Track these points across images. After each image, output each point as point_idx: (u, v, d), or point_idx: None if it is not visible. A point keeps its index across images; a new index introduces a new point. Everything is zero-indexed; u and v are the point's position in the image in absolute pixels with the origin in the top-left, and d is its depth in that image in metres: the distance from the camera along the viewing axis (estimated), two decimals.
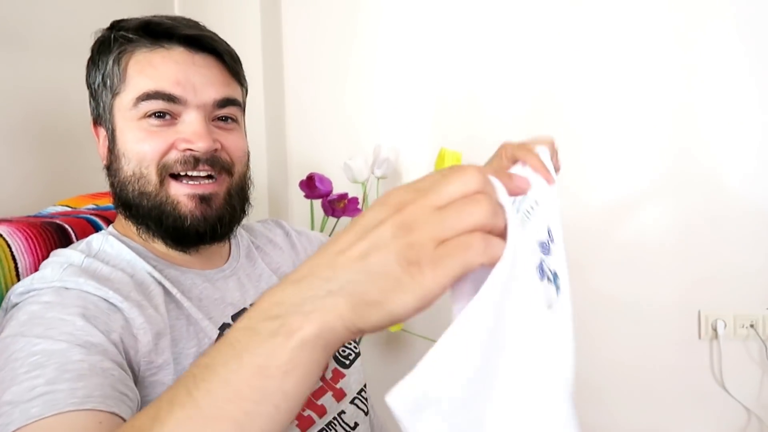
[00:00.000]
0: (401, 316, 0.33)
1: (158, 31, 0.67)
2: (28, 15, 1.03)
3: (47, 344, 0.51)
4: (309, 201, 1.42)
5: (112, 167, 0.69)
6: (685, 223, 1.40)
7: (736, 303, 1.37)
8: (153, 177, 0.66)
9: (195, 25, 0.70)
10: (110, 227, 0.73)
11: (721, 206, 1.37)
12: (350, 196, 1.37)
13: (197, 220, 0.67)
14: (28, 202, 0.97)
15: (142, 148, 0.66)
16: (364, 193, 1.43)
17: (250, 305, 0.73)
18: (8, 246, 0.66)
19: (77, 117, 1.10)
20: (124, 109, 0.67)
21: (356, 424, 0.77)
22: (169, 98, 0.65)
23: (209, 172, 0.68)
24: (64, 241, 0.73)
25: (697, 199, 1.39)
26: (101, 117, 0.70)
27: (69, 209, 0.91)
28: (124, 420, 0.49)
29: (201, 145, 0.66)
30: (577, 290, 1.51)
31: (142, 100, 0.65)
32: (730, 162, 1.36)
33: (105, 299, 0.58)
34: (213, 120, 0.70)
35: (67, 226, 0.74)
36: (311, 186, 1.36)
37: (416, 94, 1.55)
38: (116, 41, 0.67)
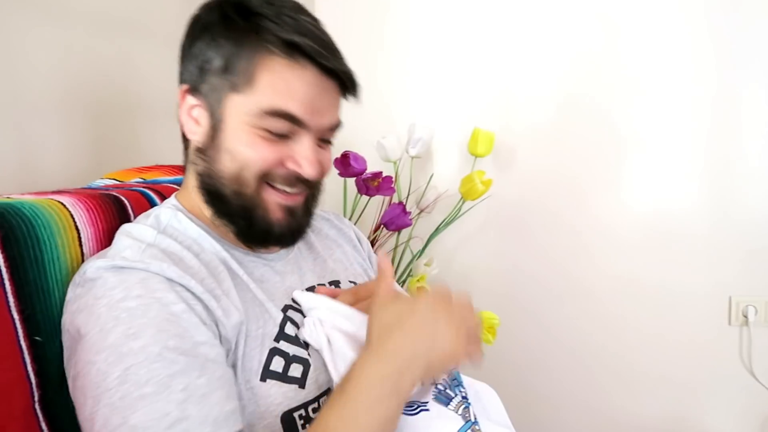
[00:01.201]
0: None
1: (299, 47, 0.63)
2: None
3: (166, 356, 0.53)
4: (342, 179, 1.43)
5: (207, 152, 0.68)
6: (718, 208, 1.39)
7: None
8: (252, 183, 0.67)
9: (331, 46, 0.67)
10: (175, 200, 0.73)
11: (754, 192, 1.37)
12: (384, 175, 1.37)
13: (283, 229, 0.70)
14: (74, 174, 0.98)
15: (252, 155, 0.65)
16: (397, 172, 1.44)
17: (308, 290, 0.75)
18: (72, 216, 0.67)
19: (121, 91, 1.11)
20: (244, 111, 0.65)
21: None
22: (295, 121, 0.65)
23: (302, 190, 0.71)
24: (122, 213, 0.74)
25: (729, 183, 1.38)
26: (202, 93, 0.67)
27: (117, 182, 0.92)
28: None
29: (310, 173, 0.68)
30: (609, 274, 1.53)
31: (269, 115, 0.64)
32: (764, 146, 1.35)
33: (187, 288, 0.59)
34: (318, 140, 0.70)
35: (124, 199, 0.76)
36: (345, 164, 1.36)
37: (450, 73, 1.54)
38: (253, 34, 0.64)
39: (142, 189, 0.82)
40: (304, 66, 0.64)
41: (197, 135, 0.69)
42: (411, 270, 1.46)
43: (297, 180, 0.69)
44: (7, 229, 0.59)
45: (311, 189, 0.73)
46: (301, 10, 0.68)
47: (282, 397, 0.63)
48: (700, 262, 1.40)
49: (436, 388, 0.65)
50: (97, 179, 0.96)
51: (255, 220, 0.68)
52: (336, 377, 0.65)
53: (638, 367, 1.46)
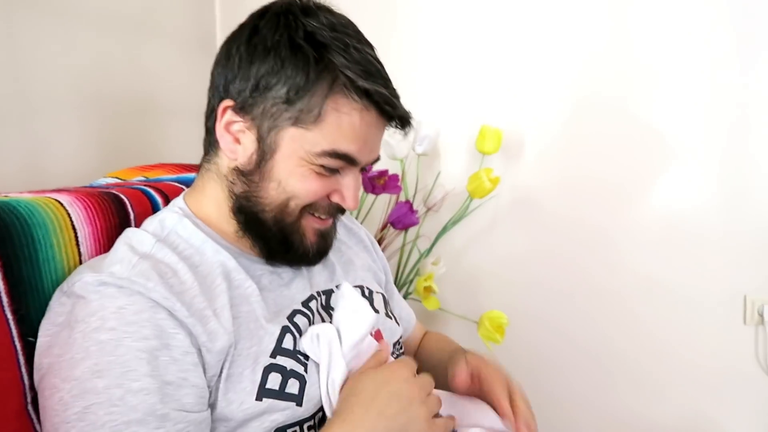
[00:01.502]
0: None
1: (370, 95, 0.63)
2: None
3: (128, 401, 0.53)
4: None
5: (250, 177, 0.67)
6: (733, 206, 1.36)
7: None
8: (296, 212, 0.68)
9: (392, 87, 0.67)
10: (183, 203, 0.71)
11: None
12: (390, 173, 1.36)
13: (315, 251, 0.72)
14: (79, 173, 0.98)
15: (303, 188, 0.66)
16: (403, 170, 1.42)
17: (318, 294, 0.74)
18: (68, 215, 0.66)
19: (129, 89, 1.11)
20: (304, 147, 0.64)
21: None
22: (351, 161, 0.66)
23: (335, 216, 0.73)
24: (122, 211, 0.73)
25: (746, 181, 1.35)
26: (251, 115, 0.65)
27: (120, 181, 0.92)
28: None
29: (351, 206, 0.70)
30: (621, 273, 1.50)
31: (330, 156, 0.64)
32: None
33: (171, 312, 0.57)
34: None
35: (123, 197, 0.75)
36: None
37: (458, 70, 1.52)
38: (326, 73, 0.62)
39: (143, 187, 0.81)
40: (370, 110, 0.65)
41: (236, 154, 0.67)
42: (418, 269, 1.44)
43: (335, 209, 0.71)
44: (2, 227, 0.58)
45: (341, 213, 0.75)
46: (361, 38, 0.68)
47: (279, 414, 0.62)
48: (714, 260, 1.37)
49: None
50: (100, 178, 0.96)
51: (293, 246, 0.69)
52: (325, 397, 0.64)
53: (652, 367, 1.43)
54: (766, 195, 1.34)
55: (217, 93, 0.67)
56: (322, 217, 0.70)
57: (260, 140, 0.65)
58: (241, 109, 0.65)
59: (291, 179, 0.65)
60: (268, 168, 0.65)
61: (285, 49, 0.62)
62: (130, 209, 0.75)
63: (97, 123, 1.06)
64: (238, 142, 0.67)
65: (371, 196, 1.40)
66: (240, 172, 0.67)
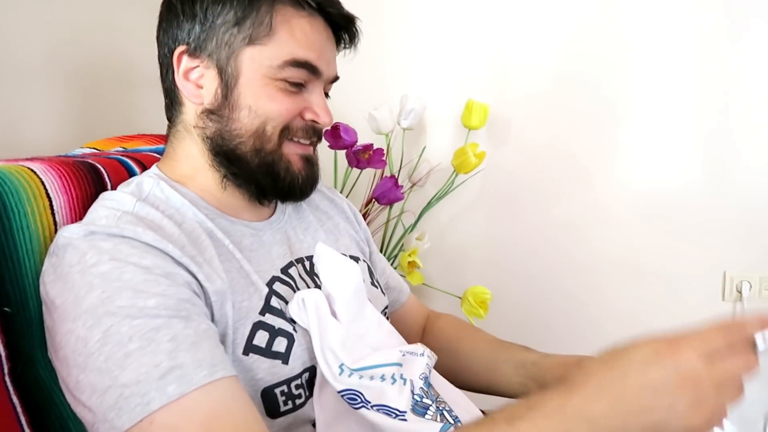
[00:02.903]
0: None
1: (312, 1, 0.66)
2: None
3: (147, 312, 0.51)
4: (333, 151, 1.40)
5: (220, 112, 0.66)
6: (713, 183, 1.37)
7: (762, 265, 1.36)
8: (275, 137, 0.67)
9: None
10: (156, 169, 0.70)
11: (749, 166, 1.34)
12: (375, 147, 1.34)
13: (305, 179, 0.71)
14: (56, 144, 0.95)
15: (275, 108, 0.66)
16: (388, 144, 1.41)
17: (298, 261, 0.73)
18: (42, 183, 0.64)
19: (106, 59, 1.08)
20: (263, 63, 0.65)
21: None
22: (313, 70, 0.67)
23: (314, 140, 0.72)
24: (98, 180, 0.71)
25: (725, 158, 1.36)
26: (206, 52, 0.65)
27: (97, 151, 0.89)
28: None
29: (326, 121, 0.70)
30: (604, 249, 1.51)
31: (290, 65, 0.65)
32: (761, 119, 1.33)
33: (165, 252, 0.56)
34: None
35: (99, 166, 0.73)
36: (336, 136, 1.33)
37: (445, 44, 1.50)
38: None
39: (120, 157, 0.79)
40: (316, 17, 0.68)
41: (201, 98, 0.67)
42: (403, 244, 1.44)
43: (312, 130, 0.71)
44: None
45: (318, 139, 0.74)
46: None
47: (264, 372, 0.61)
48: (694, 237, 1.39)
49: (413, 398, 0.64)
50: (77, 148, 0.93)
51: (279, 176, 0.69)
52: (322, 362, 0.63)
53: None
54: (746, 174, 1.35)
55: (167, 48, 0.68)
56: (302, 141, 0.70)
57: (221, 72, 0.66)
58: (195, 49, 0.66)
59: (260, 101, 0.65)
60: (236, 96, 0.66)
61: None
62: (107, 178, 0.73)
63: (74, 93, 1.03)
64: (200, 87, 0.67)
65: (356, 171, 1.39)
66: (209, 113, 0.67)
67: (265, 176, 0.68)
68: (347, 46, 0.75)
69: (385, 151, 1.37)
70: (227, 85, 0.65)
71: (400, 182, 1.37)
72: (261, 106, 0.65)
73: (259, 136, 0.66)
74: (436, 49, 1.51)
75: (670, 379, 0.45)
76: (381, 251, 1.44)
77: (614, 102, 1.41)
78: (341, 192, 1.42)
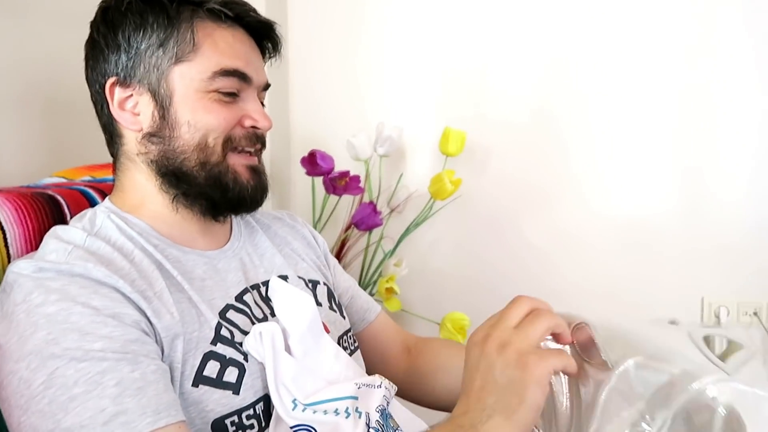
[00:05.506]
0: (538, 403, 0.50)
1: (228, 10, 0.68)
2: None
3: (93, 355, 0.51)
4: (311, 178, 1.41)
5: (160, 133, 0.67)
6: (689, 210, 1.38)
7: (740, 290, 1.36)
8: (219, 149, 0.68)
9: (249, 6, 0.72)
10: (108, 202, 0.71)
11: (725, 192, 1.35)
12: (353, 173, 1.35)
13: (254, 189, 0.72)
14: (27, 172, 0.95)
15: (213, 119, 0.67)
16: (367, 170, 1.42)
17: (253, 287, 0.73)
18: None
19: (77, 87, 1.09)
20: (194, 78, 0.66)
21: None
22: (243, 78, 0.69)
23: (258, 148, 0.73)
24: (56, 212, 0.72)
25: (701, 185, 1.37)
26: (137, 79, 0.67)
27: (64, 180, 0.90)
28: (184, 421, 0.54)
29: (266, 125, 0.72)
30: (584, 276, 1.50)
31: (220, 75, 0.67)
32: (737, 147, 1.34)
33: (115, 288, 0.56)
34: None
35: (59, 198, 0.73)
36: (313, 163, 1.34)
37: (422, 71, 1.52)
38: (184, 5, 0.67)
39: (82, 188, 0.80)
40: (236, 28, 0.70)
41: (140, 124, 0.68)
42: (381, 271, 1.44)
43: (257, 138, 0.72)
44: None
45: (262, 146, 0.75)
46: None
47: (214, 403, 0.60)
48: (672, 263, 1.39)
49: (369, 431, 0.64)
50: (46, 177, 0.94)
51: (228, 187, 0.69)
52: (275, 397, 0.62)
53: None
54: (723, 199, 1.36)
55: (98, 84, 0.69)
56: (247, 149, 0.71)
57: (155, 94, 0.67)
58: (125, 78, 0.67)
59: (197, 115, 0.67)
60: (173, 115, 0.67)
61: (137, 4, 0.66)
62: (66, 210, 0.73)
63: (46, 121, 1.04)
64: (137, 114, 0.68)
65: (335, 198, 1.40)
66: (150, 136, 0.68)
67: (214, 189, 0.69)
68: (272, 54, 0.77)
69: (363, 178, 1.38)
70: (163, 105, 0.67)
71: (378, 208, 1.38)
72: (199, 119, 0.67)
73: (203, 149, 0.67)
74: (414, 76, 1.53)
75: (490, 355, 0.53)
76: (360, 277, 1.45)
77: (591, 131, 1.42)
78: (320, 218, 1.43)
